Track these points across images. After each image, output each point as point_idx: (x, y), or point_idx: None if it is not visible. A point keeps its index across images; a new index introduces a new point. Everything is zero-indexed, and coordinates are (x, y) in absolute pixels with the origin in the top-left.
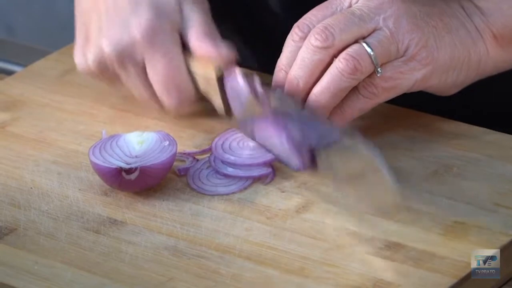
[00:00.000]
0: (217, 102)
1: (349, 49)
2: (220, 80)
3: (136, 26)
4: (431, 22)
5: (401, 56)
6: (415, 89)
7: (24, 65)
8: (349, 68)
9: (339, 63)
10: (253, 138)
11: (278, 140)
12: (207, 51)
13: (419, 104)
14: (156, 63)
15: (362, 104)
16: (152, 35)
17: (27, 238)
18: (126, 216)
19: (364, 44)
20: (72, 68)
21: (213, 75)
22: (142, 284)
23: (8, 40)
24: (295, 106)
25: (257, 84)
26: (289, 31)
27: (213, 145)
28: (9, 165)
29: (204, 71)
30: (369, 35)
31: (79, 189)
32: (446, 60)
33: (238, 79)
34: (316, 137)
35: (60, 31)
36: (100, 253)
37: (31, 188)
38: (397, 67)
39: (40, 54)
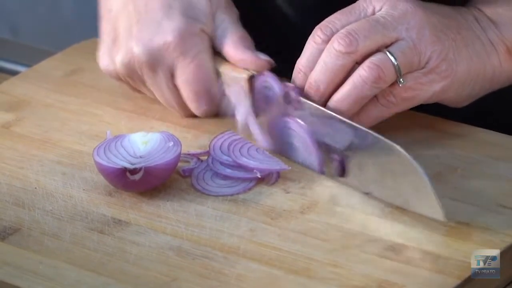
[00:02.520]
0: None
1: (373, 58)
2: (250, 82)
3: (169, 29)
4: (450, 35)
5: (422, 68)
6: (432, 100)
7: (28, 65)
8: (372, 77)
9: (362, 71)
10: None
11: (301, 143)
12: (245, 59)
13: (423, 106)
14: (186, 67)
15: (380, 113)
16: (185, 39)
17: (32, 238)
18: (131, 217)
19: (388, 53)
20: (77, 68)
21: (244, 76)
22: (147, 284)
23: (13, 41)
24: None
25: (290, 89)
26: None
27: (211, 146)
28: (14, 165)
29: (235, 73)
30: (391, 44)
31: (84, 189)
32: (464, 73)
33: (270, 79)
34: (346, 142)
35: (65, 31)
36: (104, 253)
37: (36, 188)
38: (417, 78)
39: (45, 54)
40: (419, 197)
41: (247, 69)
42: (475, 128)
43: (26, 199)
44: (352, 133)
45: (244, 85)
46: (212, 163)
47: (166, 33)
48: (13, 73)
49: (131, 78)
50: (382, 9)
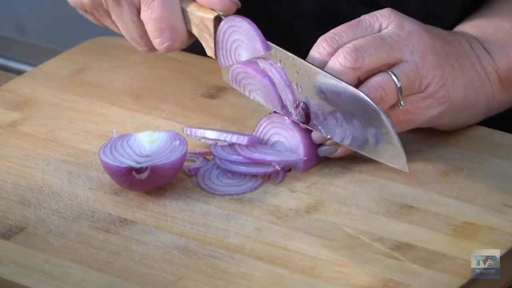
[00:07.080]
0: (210, 43)
1: (377, 78)
2: (216, 21)
3: None
4: (450, 62)
5: (421, 92)
6: (427, 125)
7: (34, 64)
8: (375, 97)
9: (366, 91)
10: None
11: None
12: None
13: None
14: (151, 2)
15: None
16: None
17: (37, 237)
18: (137, 216)
19: (392, 75)
20: (83, 67)
21: (210, 16)
22: (152, 283)
23: (19, 40)
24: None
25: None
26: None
27: (212, 148)
28: (20, 164)
29: (202, 11)
30: (394, 64)
31: (89, 188)
32: (459, 101)
33: (239, 18)
34: (312, 88)
35: (71, 30)
36: (110, 252)
37: (42, 187)
38: (416, 102)
39: (51, 53)
40: (383, 146)
41: (213, 10)
42: (482, 128)
43: (31, 198)
44: (319, 80)
45: (209, 25)
46: (221, 162)
47: None
48: (19, 72)
49: (96, 10)
50: (389, 27)
